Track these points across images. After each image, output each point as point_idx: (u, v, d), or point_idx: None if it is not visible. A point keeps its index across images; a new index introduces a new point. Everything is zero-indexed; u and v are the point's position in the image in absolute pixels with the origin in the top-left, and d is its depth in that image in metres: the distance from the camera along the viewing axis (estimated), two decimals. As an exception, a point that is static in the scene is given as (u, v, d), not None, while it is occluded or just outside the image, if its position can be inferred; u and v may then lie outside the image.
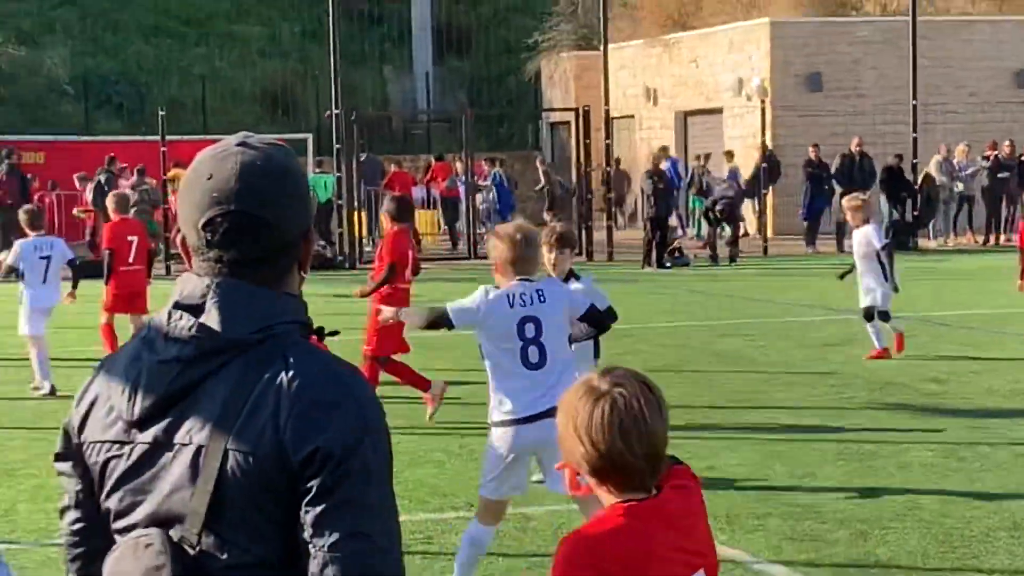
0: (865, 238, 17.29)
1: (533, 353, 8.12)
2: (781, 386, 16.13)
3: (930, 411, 14.55)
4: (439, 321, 8.48)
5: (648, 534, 3.59)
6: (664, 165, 39.32)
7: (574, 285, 10.06)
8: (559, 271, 10.22)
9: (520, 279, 8.23)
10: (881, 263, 17.28)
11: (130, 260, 17.97)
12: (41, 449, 12.95)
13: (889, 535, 9.81)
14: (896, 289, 17.51)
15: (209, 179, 2.96)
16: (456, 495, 11.10)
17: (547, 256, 9.99)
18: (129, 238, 18.07)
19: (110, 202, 18.82)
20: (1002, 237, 37.37)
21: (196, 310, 2.94)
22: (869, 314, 17.49)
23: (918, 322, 20.92)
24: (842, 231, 36.50)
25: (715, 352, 18.87)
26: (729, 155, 39.12)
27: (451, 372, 15.61)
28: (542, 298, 8.20)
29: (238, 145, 3.01)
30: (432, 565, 8.98)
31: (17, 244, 17.50)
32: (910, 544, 9.59)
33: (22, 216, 18.12)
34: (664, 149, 40.46)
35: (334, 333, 3.12)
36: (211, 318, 2.92)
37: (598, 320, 8.91)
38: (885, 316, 17.46)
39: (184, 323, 2.93)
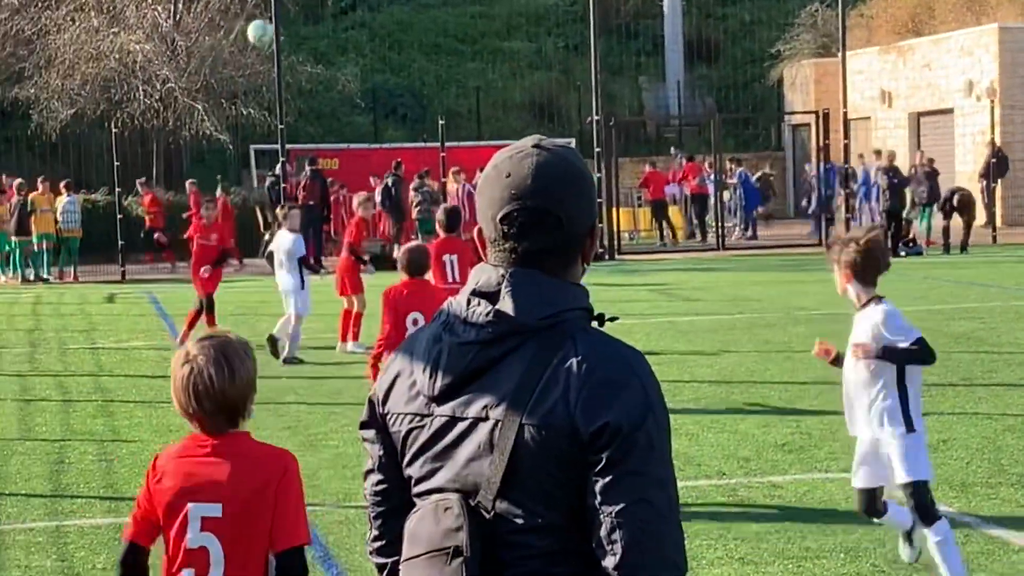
0: None
1: None
2: (1011, 365, 15.70)
3: None
4: None
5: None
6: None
7: (872, 315, 7.60)
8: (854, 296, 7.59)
9: None
10: None
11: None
12: (339, 422, 13.25)
13: (1116, 505, 9.50)
14: None
15: (508, 177, 2.98)
16: (708, 464, 11.08)
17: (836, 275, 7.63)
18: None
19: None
20: None
21: (492, 297, 2.96)
22: None
23: None
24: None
25: (948, 334, 18.43)
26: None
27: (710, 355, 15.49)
28: None
29: (534, 147, 3.03)
30: (687, 529, 8.97)
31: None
32: None
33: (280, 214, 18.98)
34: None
35: (614, 319, 3.12)
36: (506, 304, 2.93)
37: None
38: None
39: (482, 309, 2.95)
